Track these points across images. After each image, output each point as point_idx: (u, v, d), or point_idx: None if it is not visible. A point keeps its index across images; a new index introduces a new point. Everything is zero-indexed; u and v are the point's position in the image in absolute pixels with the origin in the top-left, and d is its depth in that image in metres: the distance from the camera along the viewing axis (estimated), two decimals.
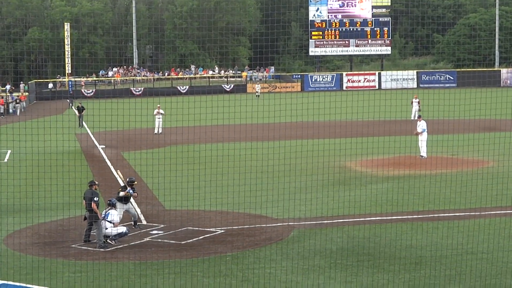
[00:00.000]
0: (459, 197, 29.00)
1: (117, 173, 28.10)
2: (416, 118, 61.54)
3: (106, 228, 23.42)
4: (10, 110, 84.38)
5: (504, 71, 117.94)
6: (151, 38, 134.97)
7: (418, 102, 63.13)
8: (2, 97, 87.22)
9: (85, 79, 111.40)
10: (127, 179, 26.71)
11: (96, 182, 24.88)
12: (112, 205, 24.03)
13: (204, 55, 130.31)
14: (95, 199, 23.55)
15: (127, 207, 25.75)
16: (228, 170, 32.79)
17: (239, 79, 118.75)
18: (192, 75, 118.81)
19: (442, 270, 19.77)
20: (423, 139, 39.87)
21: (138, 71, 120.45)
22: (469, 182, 30.74)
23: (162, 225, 25.93)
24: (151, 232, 25.02)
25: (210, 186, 31.04)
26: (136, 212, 26.68)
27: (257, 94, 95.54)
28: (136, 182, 26.75)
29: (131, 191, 25.70)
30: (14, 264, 21.25)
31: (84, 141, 52.26)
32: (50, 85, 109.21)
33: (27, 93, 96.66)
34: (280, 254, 21.75)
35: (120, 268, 20.70)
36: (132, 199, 26.41)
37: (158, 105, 55.48)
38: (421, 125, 40.21)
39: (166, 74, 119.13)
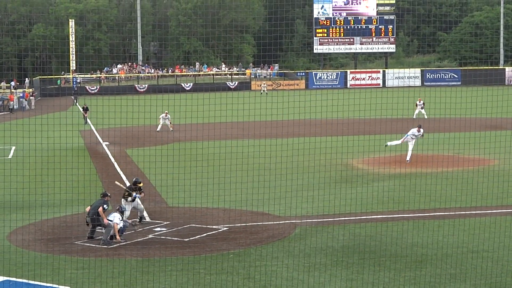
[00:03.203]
0: (462, 195, 28.96)
1: (117, 184, 27.99)
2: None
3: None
4: (15, 106, 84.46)
5: (508, 69, 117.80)
6: (155, 35, 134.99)
7: (423, 104, 63.05)
8: (12, 93, 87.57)
9: (95, 75, 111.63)
10: (133, 180, 26.86)
11: (109, 194, 24.94)
12: (121, 212, 24.02)
13: (209, 52, 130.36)
14: (105, 206, 23.69)
15: (135, 204, 25.86)
16: (231, 168, 32.79)
17: (243, 76, 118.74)
18: (196, 72, 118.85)
19: (445, 268, 19.76)
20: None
21: (143, 68, 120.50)
22: (473, 181, 30.73)
23: (166, 222, 25.94)
24: (154, 229, 25.03)
25: (214, 184, 31.10)
26: (143, 207, 26.69)
27: (264, 91, 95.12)
28: (141, 183, 26.79)
29: (138, 196, 25.77)
30: (18, 261, 21.27)
31: (88, 137, 52.30)
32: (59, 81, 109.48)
33: (30, 90, 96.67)
34: (283, 251, 21.75)
35: (124, 265, 20.72)
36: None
37: (166, 111, 55.14)
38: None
39: (170, 71, 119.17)
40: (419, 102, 63.84)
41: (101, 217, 23.47)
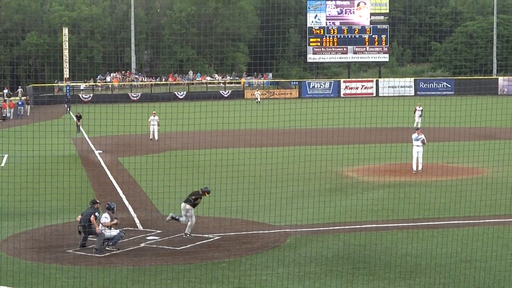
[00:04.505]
0: (455, 205, 28.94)
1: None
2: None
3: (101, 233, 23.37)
4: (8, 114, 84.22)
5: (501, 79, 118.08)
6: (149, 43, 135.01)
7: (421, 112, 62.64)
8: (5, 101, 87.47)
9: (88, 83, 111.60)
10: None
11: (98, 201, 24.76)
12: (110, 209, 23.87)
13: (202, 60, 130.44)
14: (96, 214, 23.55)
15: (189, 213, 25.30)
16: (224, 176, 32.72)
17: (237, 85, 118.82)
18: (189, 81, 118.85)
19: (437, 278, 19.72)
20: (419, 151, 38.70)
21: (136, 76, 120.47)
22: (466, 190, 30.71)
23: (158, 231, 25.85)
24: (147, 238, 24.94)
25: None
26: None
27: (257, 101, 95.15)
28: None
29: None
30: (9, 269, 21.17)
31: (80, 145, 52.17)
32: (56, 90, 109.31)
33: (24, 97, 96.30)
34: (276, 260, 21.68)
35: (115, 274, 20.63)
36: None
37: (154, 112, 55.29)
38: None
39: (163, 79, 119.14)
40: (419, 107, 63.18)
41: (93, 225, 23.36)
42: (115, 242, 23.40)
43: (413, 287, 19.05)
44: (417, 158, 38.09)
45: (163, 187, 28.14)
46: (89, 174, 39.94)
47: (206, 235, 24.99)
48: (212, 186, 31.94)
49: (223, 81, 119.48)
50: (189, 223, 25.14)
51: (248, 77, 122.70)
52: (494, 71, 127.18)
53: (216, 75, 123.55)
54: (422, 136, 38.35)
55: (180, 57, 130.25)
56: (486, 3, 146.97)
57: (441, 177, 35.54)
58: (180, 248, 23.44)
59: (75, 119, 65.87)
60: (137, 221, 27.15)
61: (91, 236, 23.62)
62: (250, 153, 38.65)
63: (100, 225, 23.39)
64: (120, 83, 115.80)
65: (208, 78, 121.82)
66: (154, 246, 23.86)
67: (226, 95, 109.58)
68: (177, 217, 25.39)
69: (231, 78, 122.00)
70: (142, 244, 24.09)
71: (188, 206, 25.07)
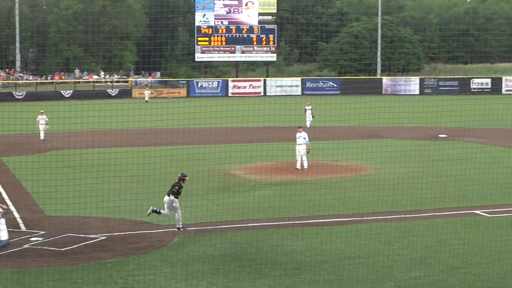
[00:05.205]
0: (339, 203, 29.48)
1: None
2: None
3: None
4: None
5: (385, 79, 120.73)
6: (34, 41, 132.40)
7: (311, 109, 63.33)
8: None
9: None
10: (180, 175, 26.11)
11: None
12: None
13: (89, 59, 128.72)
14: None
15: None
16: (111, 176, 32.44)
17: (125, 84, 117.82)
18: (76, 79, 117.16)
19: (322, 275, 20.03)
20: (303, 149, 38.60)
21: (21, 74, 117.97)
22: (350, 188, 31.34)
23: (42, 232, 25.41)
24: (30, 239, 24.49)
25: (92, 192, 30.68)
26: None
27: (146, 100, 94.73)
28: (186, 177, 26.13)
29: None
30: None
31: None
32: None
33: None
34: (162, 260, 21.64)
35: None
36: None
37: (41, 111, 54.11)
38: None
39: (49, 77, 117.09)
40: (308, 106, 63.80)
41: None
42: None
43: (298, 284, 19.31)
44: (301, 156, 38.42)
45: (49, 187, 27.72)
46: None
47: (92, 235, 24.72)
48: (99, 185, 31.70)
49: (110, 79, 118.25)
50: (176, 215, 25.43)
51: (136, 76, 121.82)
52: (379, 71, 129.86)
53: (103, 74, 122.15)
54: (304, 134, 38.63)
55: (66, 55, 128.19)
56: (371, 5, 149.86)
57: (326, 175, 36.13)
58: (65, 249, 23.10)
59: None
60: (20, 222, 26.64)
61: None
62: (138, 152, 38.46)
63: None
64: (4, 81, 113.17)
65: (95, 76, 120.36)
66: (38, 247, 23.45)
67: (113, 94, 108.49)
68: (158, 210, 25.60)
69: (118, 77, 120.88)
70: (26, 246, 23.63)
71: (172, 197, 25.18)
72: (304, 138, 38.29)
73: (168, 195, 25.39)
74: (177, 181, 25.72)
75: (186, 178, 26.01)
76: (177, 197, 25.36)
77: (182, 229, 25.37)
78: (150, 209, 25.74)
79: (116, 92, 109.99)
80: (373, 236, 24.37)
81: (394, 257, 21.74)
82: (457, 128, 57.32)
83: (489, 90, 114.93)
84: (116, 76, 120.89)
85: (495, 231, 25.00)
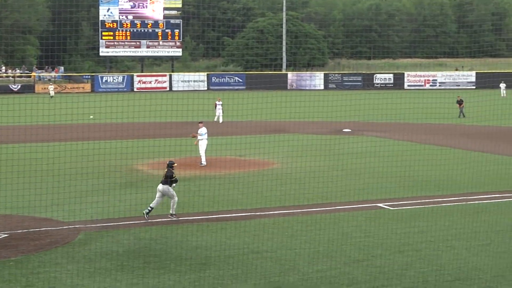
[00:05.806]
0: (245, 197, 29.61)
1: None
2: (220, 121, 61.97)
3: None
4: None
5: (290, 74, 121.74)
6: None
7: (221, 105, 63.48)
8: None
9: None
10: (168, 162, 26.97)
11: None
12: None
13: None
14: None
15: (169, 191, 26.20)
16: (15, 170, 31.83)
17: (28, 78, 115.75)
18: None
19: (228, 269, 20.10)
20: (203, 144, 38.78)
21: None
22: (255, 183, 31.51)
23: None
24: None
25: None
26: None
27: (50, 95, 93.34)
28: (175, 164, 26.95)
29: None
30: None
31: None
32: None
33: None
34: (66, 257, 21.35)
35: None
36: None
37: None
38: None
39: None
40: (218, 102, 63.89)
41: None
42: None
43: (204, 279, 19.33)
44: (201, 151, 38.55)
45: None
46: None
47: None
48: (0, 182, 31.05)
49: (12, 74, 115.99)
50: (171, 202, 26.14)
51: (39, 71, 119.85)
52: (284, 66, 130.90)
53: (5, 68, 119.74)
54: (204, 130, 38.66)
55: None
56: (276, 0, 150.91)
57: (232, 170, 36.23)
58: None
59: None
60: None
61: None
62: (41, 148, 37.83)
63: None
64: None
65: None
66: None
67: (16, 89, 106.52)
68: (149, 208, 26.09)
69: (21, 71, 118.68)
70: None
71: (166, 186, 25.95)
72: (205, 133, 38.47)
73: (164, 184, 26.02)
74: (168, 169, 26.45)
75: (175, 165, 26.83)
76: (171, 185, 26.02)
77: (174, 215, 26.10)
78: (145, 216, 26.02)
79: (19, 87, 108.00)
80: (278, 230, 24.56)
81: (299, 251, 21.96)
82: (360, 123, 58.24)
83: (392, 85, 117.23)
84: (18, 71, 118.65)
85: (396, 224, 25.49)
